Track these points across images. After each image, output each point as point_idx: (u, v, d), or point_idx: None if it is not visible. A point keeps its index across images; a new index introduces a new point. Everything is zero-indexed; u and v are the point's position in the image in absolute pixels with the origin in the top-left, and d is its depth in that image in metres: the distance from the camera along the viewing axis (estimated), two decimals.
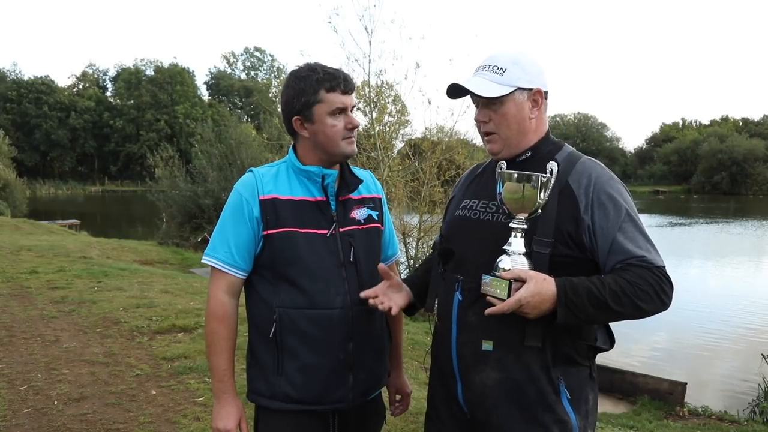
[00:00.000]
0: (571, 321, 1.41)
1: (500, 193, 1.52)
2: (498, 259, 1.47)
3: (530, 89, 1.57)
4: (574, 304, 1.40)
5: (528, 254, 1.47)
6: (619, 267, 1.46)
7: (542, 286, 1.39)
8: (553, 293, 1.39)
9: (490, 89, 1.56)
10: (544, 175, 1.48)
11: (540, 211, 1.49)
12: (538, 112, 1.60)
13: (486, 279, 1.45)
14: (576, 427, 1.52)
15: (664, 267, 1.47)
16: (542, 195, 1.47)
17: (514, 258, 1.46)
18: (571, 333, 1.53)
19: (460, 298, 1.57)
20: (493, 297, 1.43)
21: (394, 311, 1.65)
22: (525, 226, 1.49)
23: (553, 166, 1.50)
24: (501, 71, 1.56)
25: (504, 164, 1.57)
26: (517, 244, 1.47)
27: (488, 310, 1.43)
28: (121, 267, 9.51)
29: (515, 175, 1.48)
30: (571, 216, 1.49)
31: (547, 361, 1.50)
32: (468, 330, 1.55)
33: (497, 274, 1.44)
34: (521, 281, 1.40)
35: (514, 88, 1.55)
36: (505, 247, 1.48)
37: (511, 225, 1.49)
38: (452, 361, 1.59)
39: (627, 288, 1.41)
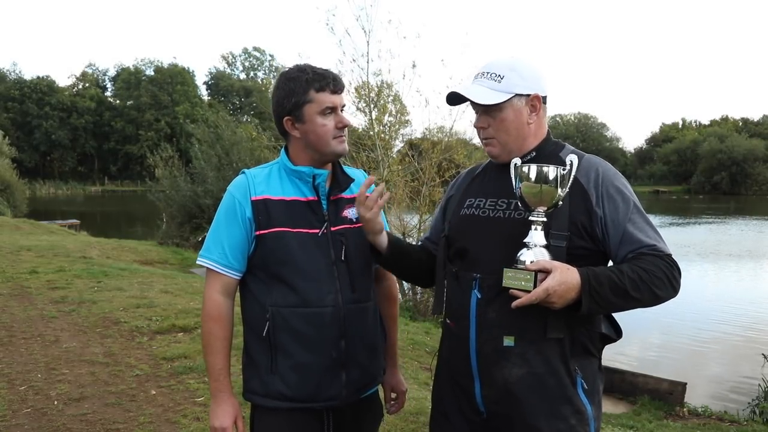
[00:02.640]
0: (594, 309, 1.45)
1: (518, 188, 1.54)
2: (519, 253, 1.49)
3: (528, 95, 1.60)
4: (597, 293, 1.43)
5: (546, 247, 1.50)
6: (632, 256, 1.51)
7: (567, 276, 1.42)
8: (578, 282, 1.42)
9: (488, 96, 1.60)
10: (563, 168, 1.51)
11: (560, 203, 1.52)
12: (536, 116, 1.63)
13: (509, 272, 1.46)
14: (592, 417, 1.55)
15: (672, 255, 1.52)
16: (561, 188, 1.50)
17: (536, 250, 1.48)
18: (587, 322, 1.56)
19: (479, 296, 1.58)
20: (517, 290, 1.44)
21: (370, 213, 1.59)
22: (545, 219, 1.51)
23: (573, 159, 1.53)
24: (499, 78, 1.60)
25: (519, 160, 1.59)
26: (537, 236, 1.50)
27: (515, 302, 1.44)
28: (121, 267, 9.51)
29: (533, 170, 1.50)
30: (584, 209, 1.54)
31: (566, 352, 1.54)
32: (488, 327, 1.57)
33: (521, 266, 1.46)
34: (546, 272, 1.42)
35: (512, 95, 1.59)
36: (525, 240, 1.50)
37: (531, 218, 1.52)
38: (471, 360, 1.60)
39: (643, 275, 1.46)
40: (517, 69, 1.61)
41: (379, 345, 1.86)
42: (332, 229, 1.73)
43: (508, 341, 1.54)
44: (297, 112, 1.68)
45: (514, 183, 1.56)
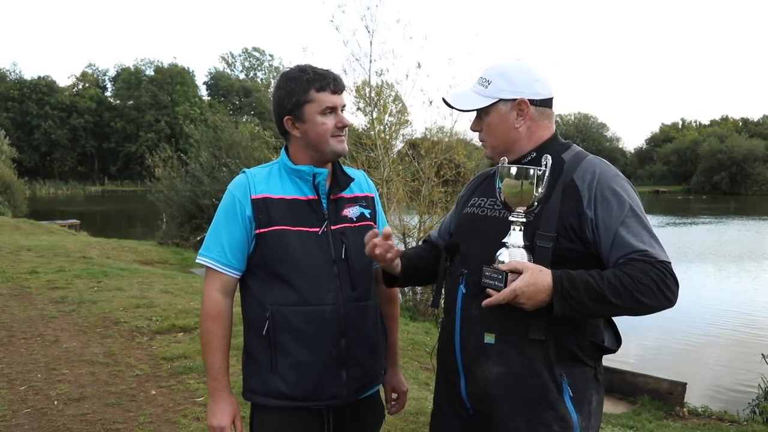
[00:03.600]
0: (567, 313, 1.42)
1: (499, 188, 1.56)
2: (498, 252, 1.51)
3: (514, 100, 1.61)
4: (570, 296, 1.41)
5: (529, 247, 1.50)
6: (622, 262, 1.46)
7: (538, 277, 1.41)
8: (549, 284, 1.41)
9: (470, 102, 1.65)
10: (539, 168, 1.52)
11: (537, 204, 1.53)
12: (524, 120, 1.63)
13: (486, 271, 1.49)
14: (577, 427, 1.51)
15: (669, 263, 1.46)
16: (539, 188, 1.51)
17: (512, 250, 1.49)
18: (576, 329, 1.53)
19: (464, 291, 1.61)
20: (492, 288, 1.46)
21: (390, 258, 1.64)
22: (524, 220, 1.52)
23: (547, 159, 1.54)
24: (487, 83, 1.64)
25: (505, 159, 1.61)
26: (516, 237, 1.51)
27: (485, 301, 1.46)
28: (121, 267, 9.51)
29: (512, 169, 1.53)
30: (574, 210, 1.52)
31: (550, 356, 1.51)
32: (471, 323, 1.58)
33: (496, 265, 1.48)
34: (517, 272, 1.42)
35: (496, 100, 1.62)
36: (504, 240, 1.52)
37: (510, 218, 1.53)
38: (456, 354, 1.61)
39: (627, 281, 1.41)
40: (507, 74, 1.62)
41: (380, 344, 1.86)
42: (332, 227, 1.74)
43: (489, 338, 1.54)
44: (297, 111, 1.70)
45: (496, 183, 1.59)
